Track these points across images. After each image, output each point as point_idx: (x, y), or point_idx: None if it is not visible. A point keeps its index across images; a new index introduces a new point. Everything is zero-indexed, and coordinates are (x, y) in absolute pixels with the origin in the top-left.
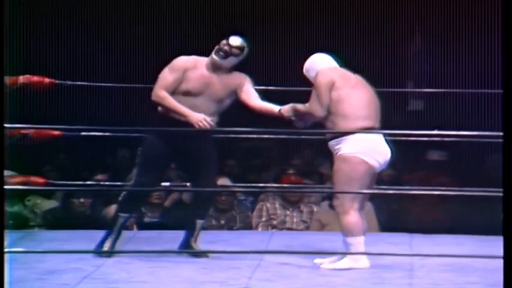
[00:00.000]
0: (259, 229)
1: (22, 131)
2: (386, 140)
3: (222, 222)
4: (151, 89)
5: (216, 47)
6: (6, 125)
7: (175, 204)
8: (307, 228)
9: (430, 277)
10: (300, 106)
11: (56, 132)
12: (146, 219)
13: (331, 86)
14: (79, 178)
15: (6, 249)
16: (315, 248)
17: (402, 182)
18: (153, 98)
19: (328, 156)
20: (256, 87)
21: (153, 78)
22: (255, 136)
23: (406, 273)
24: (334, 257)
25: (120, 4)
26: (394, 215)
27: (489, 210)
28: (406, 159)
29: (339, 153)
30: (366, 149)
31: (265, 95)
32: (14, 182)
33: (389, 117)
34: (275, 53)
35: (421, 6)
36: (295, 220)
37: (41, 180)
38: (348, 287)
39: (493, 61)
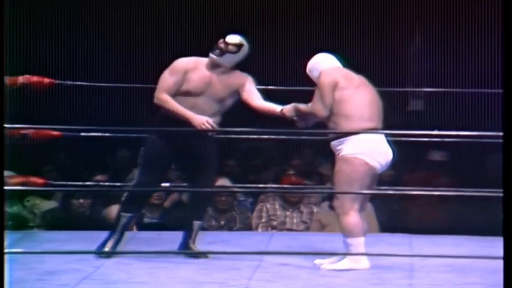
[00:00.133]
0: (259, 230)
1: (22, 131)
2: (388, 141)
3: (222, 222)
4: (151, 89)
5: (214, 45)
6: (6, 125)
7: (175, 205)
8: (307, 229)
9: (430, 278)
10: (302, 106)
11: (56, 133)
12: (146, 220)
13: (335, 86)
14: (79, 178)
15: (6, 250)
16: (315, 249)
17: (402, 182)
18: (156, 101)
19: (328, 156)
20: (258, 86)
21: (153, 78)
22: (255, 136)
23: (406, 273)
24: (334, 258)
25: (120, 4)
26: (394, 215)
27: (489, 210)
28: (406, 160)
29: (340, 154)
30: (368, 150)
31: (266, 95)
32: (13, 183)
33: (389, 118)
34: (275, 53)
35: (421, 6)
36: (295, 221)
37: (40, 180)
38: None
39: (493, 61)
